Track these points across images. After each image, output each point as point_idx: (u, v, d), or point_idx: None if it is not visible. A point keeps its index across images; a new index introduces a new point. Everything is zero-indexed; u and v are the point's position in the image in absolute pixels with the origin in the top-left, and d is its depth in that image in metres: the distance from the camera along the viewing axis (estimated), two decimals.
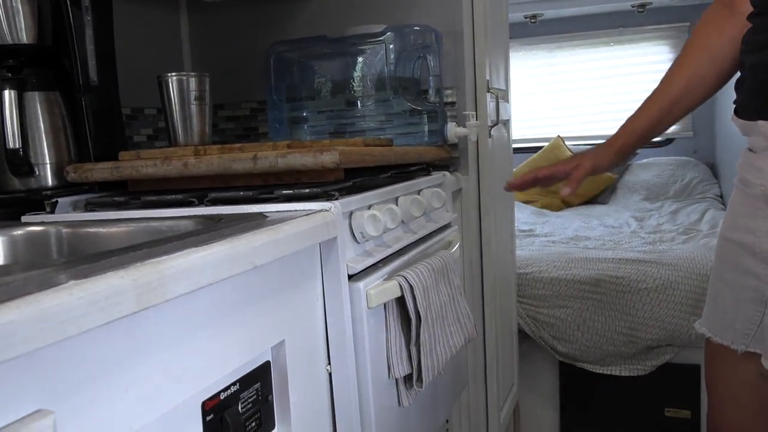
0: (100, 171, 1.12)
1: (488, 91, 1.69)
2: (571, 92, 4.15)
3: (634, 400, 2.11)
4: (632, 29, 3.92)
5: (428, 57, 1.53)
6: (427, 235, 1.31)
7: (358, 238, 1.02)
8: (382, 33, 1.50)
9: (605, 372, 2.08)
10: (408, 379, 1.10)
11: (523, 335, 2.16)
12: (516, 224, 3.06)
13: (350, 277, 0.98)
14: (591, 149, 1.24)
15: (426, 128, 1.50)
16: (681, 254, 2.13)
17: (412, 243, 1.22)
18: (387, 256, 1.11)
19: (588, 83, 4.09)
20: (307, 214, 0.91)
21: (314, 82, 1.58)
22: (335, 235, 0.95)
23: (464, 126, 1.52)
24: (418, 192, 1.32)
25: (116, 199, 1.12)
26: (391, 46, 1.49)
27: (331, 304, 0.97)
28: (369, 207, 1.08)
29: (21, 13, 1.12)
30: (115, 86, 1.29)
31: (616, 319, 2.04)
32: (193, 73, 1.21)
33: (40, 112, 1.15)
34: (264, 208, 0.97)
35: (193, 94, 1.19)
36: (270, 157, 1.02)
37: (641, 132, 1.19)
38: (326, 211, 0.94)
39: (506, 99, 1.98)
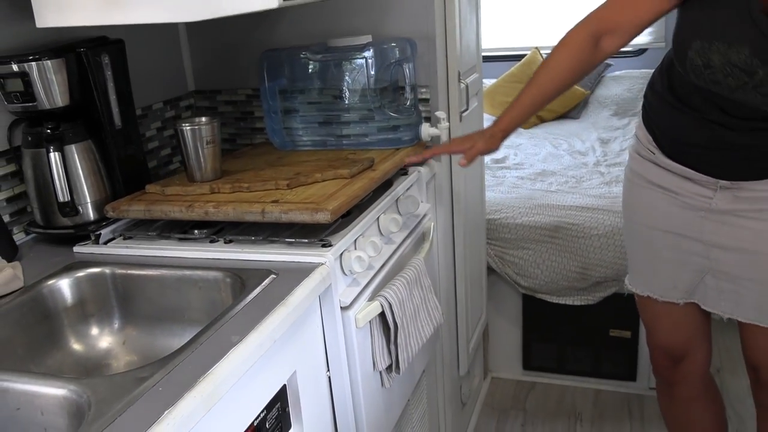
0: (135, 212, 1.38)
1: (459, 82, 1.90)
2: (548, 3, 4.24)
3: (585, 323, 2.48)
4: None
5: (405, 66, 1.73)
6: (405, 236, 1.59)
7: (347, 273, 1.30)
8: (364, 47, 1.68)
9: (560, 302, 2.43)
10: (389, 368, 1.42)
11: (491, 270, 2.48)
12: None
13: (342, 307, 1.27)
14: (483, 132, 1.51)
15: (403, 132, 1.72)
16: None
17: (392, 252, 1.50)
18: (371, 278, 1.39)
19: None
20: (309, 268, 1.19)
21: (303, 83, 1.78)
22: (330, 283, 1.23)
23: (437, 127, 1.75)
24: (396, 201, 1.58)
25: (149, 233, 1.38)
26: (371, 60, 1.68)
27: (328, 330, 1.26)
28: (355, 241, 1.35)
29: (54, 82, 1.33)
30: (135, 122, 1.51)
31: (570, 260, 2.36)
32: (204, 121, 1.42)
33: (78, 161, 1.38)
34: (272, 254, 1.25)
35: (205, 140, 1.41)
36: (275, 212, 1.28)
37: (519, 119, 1.48)
38: (323, 265, 1.21)
39: (478, 71, 2.18)
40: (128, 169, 1.48)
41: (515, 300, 2.54)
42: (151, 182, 1.52)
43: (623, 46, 1.38)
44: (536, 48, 4.08)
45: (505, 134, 1.49)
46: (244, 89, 1.99)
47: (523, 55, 4.13)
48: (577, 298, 2.42)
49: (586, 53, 1.38)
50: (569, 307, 2.45)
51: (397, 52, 1.71)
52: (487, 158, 3.11)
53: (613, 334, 2.48)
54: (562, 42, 1.40)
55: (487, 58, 4.39)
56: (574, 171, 2.90)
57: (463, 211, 2.01)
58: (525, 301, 2.52)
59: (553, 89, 1.43)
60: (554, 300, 2.44)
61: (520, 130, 3.65)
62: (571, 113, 3.88)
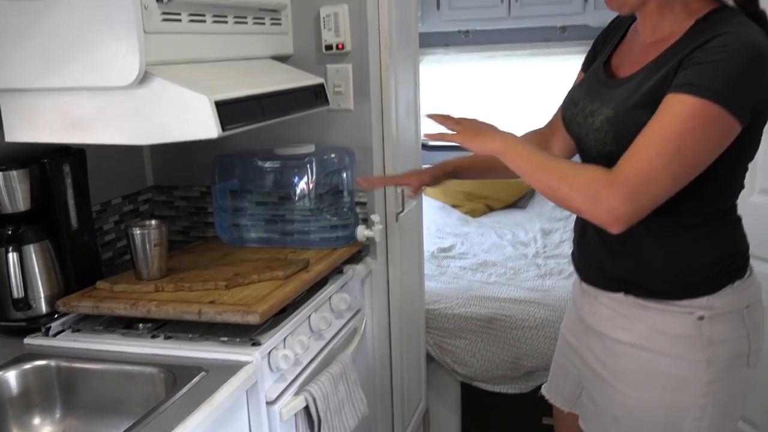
0: (84, 307, 1.51)
1: (396, 186, 2.09)
2: (500, 97, 4.53)
3: (519, 410, 2.61)
4: (555, 43, 4.28)
5: (344, 173, 1.91)
6: (336, 332, 1.73)
7: (274, 369, 1.44)
8: (306, 156, 1.87)
9: (496, 390, 2.57)
10: None
11: (431, 358, 2.62)
12: (440, 236, 3.50)
13: (267, 402, 1.40)
14: (429, 168, 1.68)
15: (340, 232, 1.89)
16: (559, 295, 2.61)
17: (321, 348, 1.64)
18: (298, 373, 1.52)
19: (515, 88, 4.47)
20: (237, 366, 1.32)
21: (252, 185, 1.95)
22: (256, 380, 1.36)
23: (371, 229, 1.92)
24: (329, 298, 1.73)
25: (96, 327, 1.51)
26: (313, 168, 1.86)
27: (254, 424, 1.39)
28: (285, 339, 1.49)
29: (19, 190, 1.48)
30: (91, 222, 1.65)
31: (504, 350, 2.51)
32: (153, 225, 1.57)
33: (35, 259, 1.52)
34: (206, 351, 1.38)
35: (153, 242, 1.56)
36: (210, 313, 1.42)
37: (468, 170, 1.67)
38: (250, 363, 1.35)
39: None
40: (81, 265, 1.61)
41: (454, 388, 2.67)
42: (104, 276, 1.65)
43: (570, 147, 1.51)
44: None
45: (451, 173, 1.66)
46: (199, 186, 2.15)
47: None
48: (511, 386, 2.56)
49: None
50: (505, 395, 2.59)
51: (336, 161, 1.89)
52: (434, 247, 3.29)
53: (545, 422, 2.60)
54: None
55: (443, 147, 4.66)
56: (513, 262, 3.08)
57: (399, 304, 2.16)
58: (463, 388, 2.65)
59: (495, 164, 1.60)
60: (490, 388, 2.58)
61: (469, 218, 3.86)
62: (518, 203, 4.11)
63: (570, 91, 1.42)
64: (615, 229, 1.16)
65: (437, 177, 1.66)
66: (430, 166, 1.70)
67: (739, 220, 1.32)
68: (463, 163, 1.67)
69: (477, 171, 1.68)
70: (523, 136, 1.60)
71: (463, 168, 1.68)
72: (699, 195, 1.22)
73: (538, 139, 1.58)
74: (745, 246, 1.33)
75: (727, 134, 1.14)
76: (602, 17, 3.82)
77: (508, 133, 1.28)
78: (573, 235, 1.50)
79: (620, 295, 1.33)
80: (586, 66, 1.49)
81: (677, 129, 1.11)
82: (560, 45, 4.28)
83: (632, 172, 1.13)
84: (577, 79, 1.51)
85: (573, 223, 1.54)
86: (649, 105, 1.17)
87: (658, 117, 1.14)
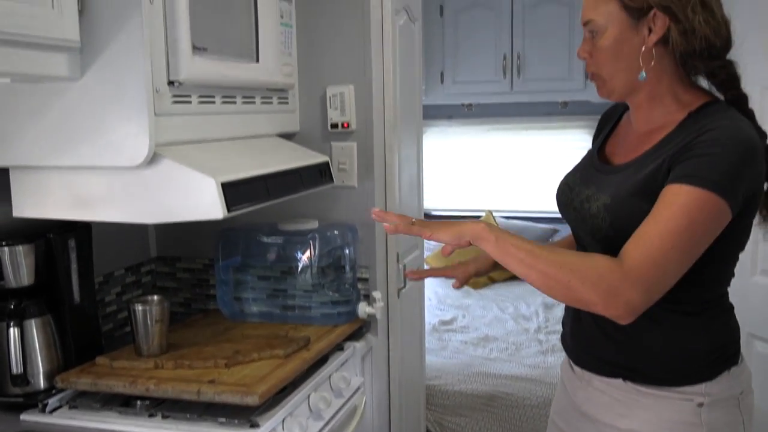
0: (82, 384, 1.49)
1: (398, 262, 2.09)
2: (502, 170, 4.59)
3: None
4: (557, 117, 4.36)
5: (346, 249, 1.92)
6: (336, 410, 1.71)
7: None
8: (310, 232, 1.88)
9: None
10: None
11: None
12: (441, 308, 3.49)
13: None
14: (474, 258, 1.61)
15: (342, 308, 1.89)
16: (558, 373, 2.58)
17: (321, 428, 1.62)
18: None
19: (517, 161, 4.53)
20: None
21: (255, 259, 1.96)
22: None
23: (373, 305, 1.91)
24: (329, 377, 1.72)
25: (94, 404, 1.49)
26: (316, 243, 1.87)
27: None
28: (283, 421, 1.47)
29: (23, 265, 1.48)
30: (93, 296, 1.66)
31: (505, 429, 2.47)
32: (155, 301, 1.58)
33: (36, 334, 1.51)
34: None
35: (155, 318, 1.56)
36: (210, 393, 1.41)
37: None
38: None
39: (420, 246, 2.39)
40: (82, 339, 1.61)
41: None
42: (104, 349, 1.65)
43: None
44: (489, 211, 4.36)
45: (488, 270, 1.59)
46: (202, 258, 2.16)
47: (478, 216, 4.41)
48: None
49: None
50: None
51: (339, 237, 1.90)
52: (436, 320, 3.28)
53: None
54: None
55: (445, 218, 4.70)
56: (515, 337, 3.06)
57: (399, 380, 2.14)
58: None
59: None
60: None
61: (471, 291, 3.86)
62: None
63: (566, 176, 1.45)
64: (627, 321, 1.16)
65: (483, 268, 1.60)
66: (474, 258, 1.62)
67: (731, 307, 1.33)
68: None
69: None
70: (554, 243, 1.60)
71: None
72: (698, 283, 1.23)
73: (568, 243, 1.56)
74: (738, 333, 1.34)
75: (723, 223, 1.16)
76: None
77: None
78: (564, 317, 1.48)
79: (618, 381, 1.32)
80: None
81: (687, 221, 1.13)
82: (562, 119, 4.36)
83: (648, 264, 1.13)
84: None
85: None
86: (646, 194, 1.19)
87: (666, 207, 1.15)
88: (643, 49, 1.22)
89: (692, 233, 1.13)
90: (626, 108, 1.40)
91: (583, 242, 1.36)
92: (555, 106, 4.34)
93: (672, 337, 1.27)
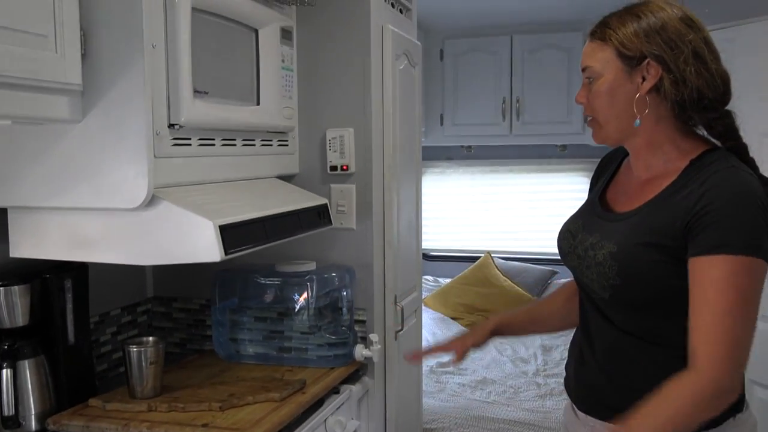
0: (75, 426, 1.48)
1: (395, 304, 2.09)
2: (501, 211, 4.60)
3: None
4: (556, 160, 4.40)
5: (344, 292, 1.91)
6: None
7: None
8: (307, 274, 1.88)
9: None
10: None
11: None
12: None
13: None
14: (471, 331, 1.62)
15: (339, 350, 1.87)
16: (558, 417, 2.55)
17: None
18: None
19: (517, 202, 4.55)
20: None
21: (252, 301, 1.95)
22: None
23: (370, 348, 1.90)
24: (325, 421, 1.70)
25: None
26: (314, 285, 1.87)
27: None
28: None
29: (18, 305, 1.48)
30: (88, 337, 1.65)
31: None
32: (150, 342, 1.57)
33: (29, 375, 1.50)
34: None
35: (149, 360, 1.55)
36: None
37: (510, 327, 1.62)
38: None
39: (418, 288, 2.38)
40: (76, 381, 1.59)
41: None
42: (97, 391, 1.63)
43: None
44: (488, 252, 4.36)
45: (494, 331, 1.59)
46: (199, 299, 2.15)
47: (477, 257, 4.40)
48: None
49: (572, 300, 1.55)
50: None
51: (337, 279, 1.90)
52: (433, 362, 3.25)
53: None
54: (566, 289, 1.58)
55: (443, 258, 4.70)
56: (513, 380, 3.03)
57: (395, 425, 2.11)
58: None
59: (546, 314, 1.61)
60: None
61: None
62: None
63: (566, 222, 1.45)
64: (735, 399, 1.20)
65: (480, 339, 1.60)
66: (471, 330, 1.65)
67: None
68: (505, 319, 1.63)
69: (520, 326, 1.66)
70: (561, 295, 1.60)
71: (507, 324, 1.63)
72: None
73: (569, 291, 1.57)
74: (743, 380, 1.32)
75: (764, 278, 1.19)
76: None
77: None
78: (567, 361, 1.48)
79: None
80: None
81: (735, 292, 1.15)
82: (561, 162, 4.39)
83: (720, 355, 1.15)
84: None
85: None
86: (653, 244, 1.21)
87: (710, 287, 1.16)
88: (637, 96, 1.24)
89: (745, 300, 1.16)
90: (626, 154, 1.41)
91: (587, 289, 1.35)
92: (554, 149, 4.37)
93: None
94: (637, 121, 1.26)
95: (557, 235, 1.45)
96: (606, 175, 1.45)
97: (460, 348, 1.57)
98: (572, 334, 1.52)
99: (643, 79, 1.24)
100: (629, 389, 1.29)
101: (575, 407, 1.42)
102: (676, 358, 1.24)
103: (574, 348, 1.45)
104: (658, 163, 1.29)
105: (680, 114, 1.25)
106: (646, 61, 1.22)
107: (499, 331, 1.63)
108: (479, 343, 1.60)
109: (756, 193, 1.18)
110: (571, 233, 1.40)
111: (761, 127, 1.34)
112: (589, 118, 1.33)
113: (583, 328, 1.40)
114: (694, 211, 1.18)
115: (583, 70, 1.30)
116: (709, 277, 1.16)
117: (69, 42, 1.26)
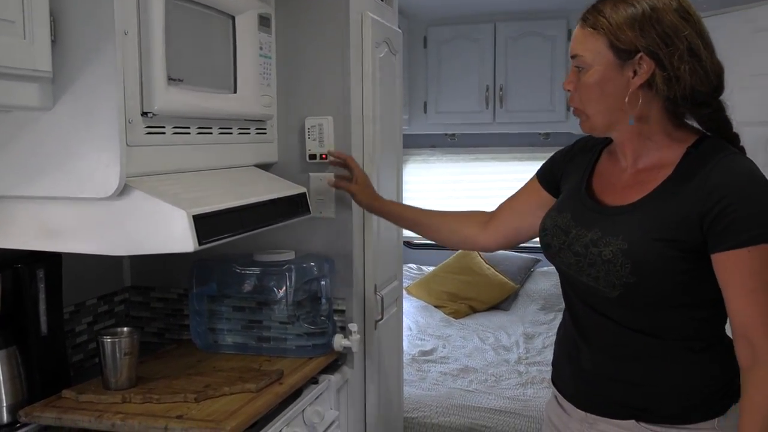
0: (46, 419, 1.46)
1: (375, 293, 2.08)
2: (485, 199, 4.59)
3: None
4: (539, 148, 4.39)
5: (322, 281, 1.90)
6: None
7: None
8: (285, 263, 1.86)
9: None
10: None
11: None
12: (421, 338, 3.46)
13: None
14: (371, 190, 1.85)
15: (317, 340, 1.86)
16: (540, 405, 2.56)
17: None
18: None
19: (500, 192, 4.53)
20: None
21: (230, 289, 1.93)
22: None
23: (349, 338, 1.89)
24: (303, 411, 1.69)
25: None
26: (292, 275, 1.85)
27: None
28: None
29: None
30: (61, 328, 1.62)
31: None
32: (125, 333, 1.55)
33: (0, 366, 1.48)
34: None
35: (124, 351, 1.53)
36: (177, 429, 1.38)
37: (397, 217, 1.84)
38: None
39: (399, 278, 2.37)
40: (49, 372, 1.57)
41: None
42: (72, 382, 1.61)
43: (503, 238, 1.65)
44: None
45: (378, 210, 1.85)
46: (177, 288, 2.13)
47: None
48: None
49: (478, 229, 1.68)
50: None
51: (315, 269, 1.89)
52: (415, 350, 3.25)
53: None
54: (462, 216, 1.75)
55: (427, 246, 4.69)
56: (494, 368, 3.04)
57: (376, 414, 2.11)
58: None
59: (433, 226, 1.76)
60: None
61: (452, 320, 3.84)
62: (501, 305, 4.09)
63: (550, 218, 1.39)
64: None
65: (365, 203, 1.85)
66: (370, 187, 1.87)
67: (731, 342, 1.32)
68: (394, 209, 1.84)
69: (402, 220, 1.84)
70: (460, 212, 1.77)
71: (390, 212, 1.84)
72: (706, 319, 1.25)
73: (476, 217, 1.72)
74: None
75: None
76: None
77: None
78: (556, 358, 1.45)
79: (630, 423, 1.29)
80: (543, 178, 1.53)
81: None
82: (544, 150, 4.38)
83: None
84: (530, 186, 1.58)
85: (556, 332, 1.51)
86: (669, 240, 1.19)
87: (753, 277, 1.15)
88: (630, 91, 1.21)
89: None
90: (604, 144, 1.40)
91: (584, 287, 1.29)
92: (537, 137, 4.37)
93: (684, 374, 1.27)
94: (631, 119, 1.23)
95: (540, 232, 1.41)
96: (584, 164, 1.42)
97: (343, 185, 1.85)
98: (557, 326, 1.50)
99: (635, 73, 1.21)
100: (633, 384, 1.28)
101: (571, 404, 1.39)
102: (682, 350, 1.25)
103: (565, 345, 1.41)
104: (649, 154, 1.27)
105: (672, 109, 1.24)
106: (639, 55, 1.19)
107: (381, 213, 1.87)
108: (360, 203, 1.86)
109: (764, 177, 1.18)
110: (561, 229, 1.34)
111: (740, 116, 1.34)
112: (575, 108, 1.30)
113: (576, 325, 1.36)
114: (709, 204, 1.16)
115: (573, 57, 1.27)
116: (749, 269, 1.15)
117: (38, 28, 1.23)
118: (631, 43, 1.20)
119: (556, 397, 1.46)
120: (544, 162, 1.56)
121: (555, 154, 1.52)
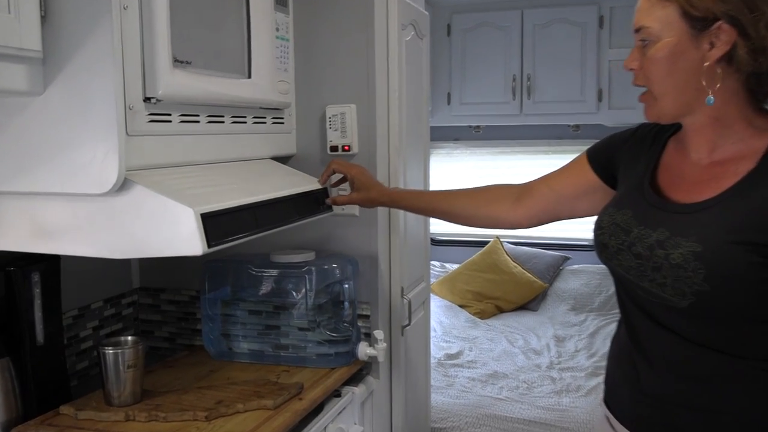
0: None
1: (402, 297, 1.92)
2: None
3: None
4: (568, 141, 4.21)
5: (345, 284, 1.74)
6: None
7: None
8: (305, 264, 1.71)
9: None
10: None
11: None
12: (447, 340, 3.30)
13: None
14: (376, 190, 1.62)
15: (340, 348, 1.71)
16: (578, 416, 2.39)
17: None
18: None
19: None
20: None
21: (245, 293, 1.78)
22: None
23: (374, 347, 1.73)
24: (324, 429, 1.54)
25: None
26: (313, 278, 1.70)
27: None
28: None
29: None
30: (60, 336, 1.48)
31: None
32: (129, 343, 1.40)
33: None
34: None
35: (127, 364, 1.38)
36: None
37: (416, 210, 1.67)
38: None
39: (426, 279, 2.21)
40: (45, 385, 1.43)
41: None
42: (72, 395, 1.48)
43: (536, 218, 1.49)
44: (497, 237, 4.18)
45: (391, 204, 1.66)
46: (188, 290, 1.99)
47: (486, 242, 4.23)
48: None
49: (509, 203, 1.53)
50: None
51: (338, 271, 1.73)
52: (441, 353, 3.09)
53: None
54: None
55: (451, 242, 4.52)
56: (526, 374, 2.87)
57: (402, 426, 1.95)
58: None
59: (451, 208, 1.63)
60: None
61: (478, 321, 3.67)
62: (529, 305, 3.91)
63: (607, 214, 1.22)
64: None
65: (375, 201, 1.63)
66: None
67: None
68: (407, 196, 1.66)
69: (419, 209, 1.67)
70: (483, 189, 1.66)
71: (402, 199, 1.64)
72: None
73: (504, 192, 1.59)
74: None
75: None
76: (616, 117, 3.74)
77: None
78: (611, 375, 1.28)
79: None
80: (595, 158, 1.35)
81: None
82: (574, 143, 4.19)
83: None
84: (576, 166, 1.40)
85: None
86: (751, 243, 1.02)
87: None
88: (705, 66, 1.04)
89: None
90: (669, 133, 1.22)
91: (646, 294, 1.13)
92: (566, 129, 4.18)
93: (759, 398, 1.08)
94: (710, 98, 1.06)
95: (595, 230, 1.23)
96: (647, 155, 1.25)
97: (342, 199, 1.64)
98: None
99: (712, 45, 1.04)
100: (708, 411, 1.10)
101: (626, 430, 1.22)
102: (760, 370, 1.07)
103: (622, 363, 1.24)
104: (727, 144, 1.09)
105: (756, 88, 1.06)
106: (718, 23, 1.02)
107: (394, 206, 1.69)
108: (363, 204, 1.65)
109: None
110: (620, 227, 1.17)
111: None
112: (641, 93, 1.13)
113: (633, 340, 1.19)
114: None
115: (637, 30, 1.10)
116: None
117: (26, 2, 1.09)
118: (708, 9, 1.02)
119: (607, 418, 1.29)
120: (596, 142, 1.38)
121: (612, 136, 1.34)
